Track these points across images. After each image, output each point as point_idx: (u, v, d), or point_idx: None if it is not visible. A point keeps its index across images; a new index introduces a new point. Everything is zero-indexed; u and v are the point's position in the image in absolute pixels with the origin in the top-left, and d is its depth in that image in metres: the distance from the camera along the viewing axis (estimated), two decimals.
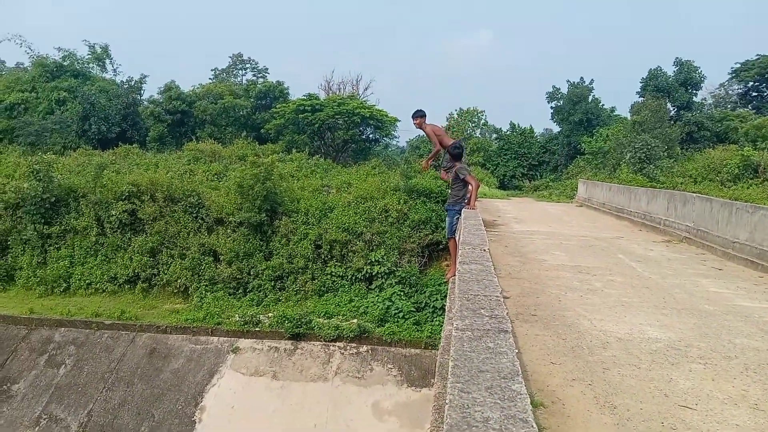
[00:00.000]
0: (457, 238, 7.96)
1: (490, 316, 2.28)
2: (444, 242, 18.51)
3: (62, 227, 19.25)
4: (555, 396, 4.53)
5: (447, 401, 1.56)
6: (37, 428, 13.86)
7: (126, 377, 14.93)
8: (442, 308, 16.07)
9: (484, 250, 3.95)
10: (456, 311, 2.32)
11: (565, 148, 45.52)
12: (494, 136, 52.61)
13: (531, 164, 47.41)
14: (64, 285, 18.42)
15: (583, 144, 41.12)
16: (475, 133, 54.51)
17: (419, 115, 10.30)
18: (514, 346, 1.98)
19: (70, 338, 15.96)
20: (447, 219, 9.22)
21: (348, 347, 15.42)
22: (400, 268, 17.77)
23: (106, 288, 18.21)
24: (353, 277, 17.94)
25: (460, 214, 8.57)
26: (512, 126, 49.60)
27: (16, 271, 19.03)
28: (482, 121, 55.89)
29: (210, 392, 14.51)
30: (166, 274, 18.09)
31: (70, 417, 14.16)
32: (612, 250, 12.46)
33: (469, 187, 8.77)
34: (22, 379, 15.05)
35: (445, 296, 16.23)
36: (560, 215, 21.02)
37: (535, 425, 1.48)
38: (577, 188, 30.21)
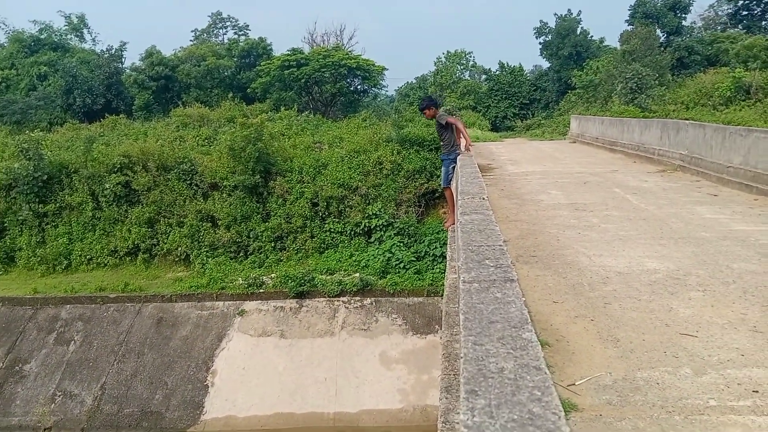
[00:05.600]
0: (453, 187, 7.94)
1: (495, 266, 2.31)
2: (440, 190, 18.56)
3: (57, 204, 19.16)
4: (559, 334, 4.64)
5: (462, 355, 1.60)
6: (52, 405, 14.14)
7: (136, 348, 15.17)
8: (442, 256, 16.23)
9: (483, 199, 3.96)
10: (461, 263, 2.35)
11: (556, 84, 45.00)
12: (484, 77, 51.89)
13: (522, 103, 46.95)
14: (65, 262, 18.48)
15: (573, 78, 40.61)
16: (464, 76, 53.78)
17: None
18: (521, 295, 2.02)
19: (77, 314, 16.12)
20: (442, 169, 8.98)
21: (352, 301, 15.64)
22: (398, 220, 17.85)
23: (108, 262, 18.29)
24: (352, 232, 18.04)
25: (455, 163, 8.41)
26: (501, 66, 48.86)
27: (15, 252, 19.03)
28: (471, 62, 55.09)
29: (220, 356, 14.79)
30: (165, 243, 18.15)
31: (84, 392, 14.44)
32: (607, 185, 12.50)
33: (458, 128, 8.45)
34: (33, 359, 15.25)
35: (445, 244, 16.36)
36: (554, 153, 20.97)
37: (547, 372, 1.53)
38: (569, 124, 30.04)
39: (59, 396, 14.34)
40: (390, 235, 17.50)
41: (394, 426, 12.86)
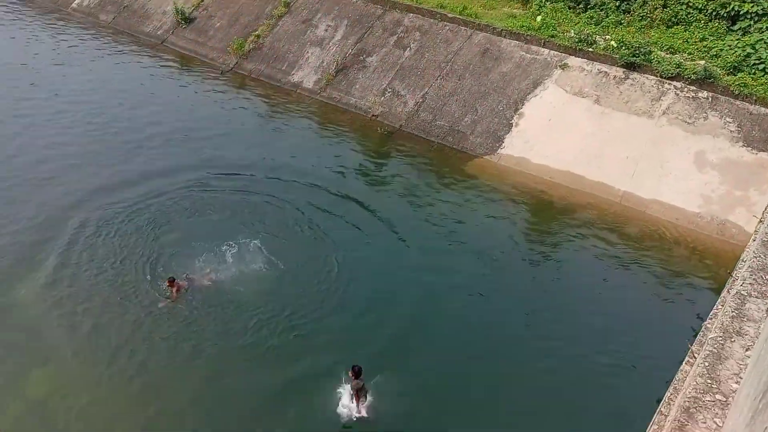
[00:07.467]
0: None
1: None
2: None
3: None
4: None
5: None
6: (382, 98, 16.34)
7: (458, 71, 16.16)
8: None
9: None
10: None
11: None
12: None
13: None
14: None
15: None
16: None
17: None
18: None
19: (417, 24, 17.38)
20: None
21: (686, 89, 14.07)
22: None
23: None
24: (713, 12, 15.40)
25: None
26: None
27: None
28: None
29: (531, 101, 15.07)
30: None
31: (409, 95, 16.28)
32: None
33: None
34: (374, 54, 17.33)
35: None
36: None
37: None
38: None
39: (389, 92, 16.46)
40: (761, 28, 14.55)
41: (682, 226, 12.34)
